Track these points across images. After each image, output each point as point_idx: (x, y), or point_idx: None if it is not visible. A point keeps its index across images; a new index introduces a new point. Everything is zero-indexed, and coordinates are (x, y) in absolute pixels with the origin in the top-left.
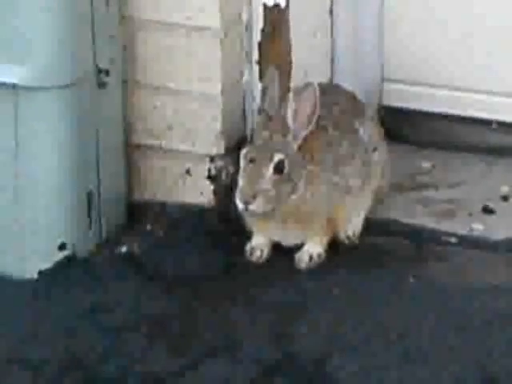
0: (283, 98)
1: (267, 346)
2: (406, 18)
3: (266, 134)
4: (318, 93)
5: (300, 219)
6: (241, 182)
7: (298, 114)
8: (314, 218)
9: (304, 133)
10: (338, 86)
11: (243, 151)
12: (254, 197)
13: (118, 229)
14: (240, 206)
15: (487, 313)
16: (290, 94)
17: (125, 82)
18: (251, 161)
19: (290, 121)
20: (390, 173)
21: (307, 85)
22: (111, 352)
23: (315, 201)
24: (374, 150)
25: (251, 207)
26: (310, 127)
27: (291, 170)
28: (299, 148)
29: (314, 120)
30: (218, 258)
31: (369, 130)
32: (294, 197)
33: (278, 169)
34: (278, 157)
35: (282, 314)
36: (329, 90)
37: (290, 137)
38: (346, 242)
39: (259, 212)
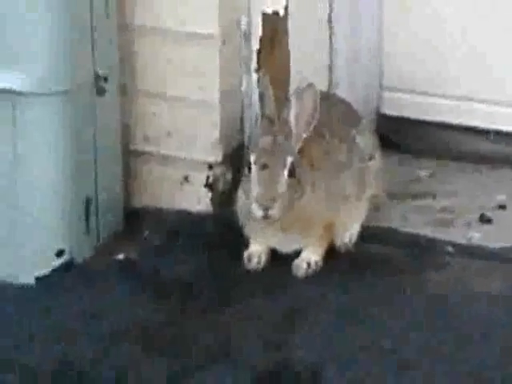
0: (283, 105)
1: (262, 354)
2: (404, 28)
3: (268, 138)
4: (318, 93)
5: (300, 226)
6: (257, 188)
7: (299, 115)
8: (314, 225)
9: (305, 134)
10: (334, 95)
11: (252, 157)
12: (273, 202)
13: (116, 235)
14: (259, 213)
15: (484, 322)
16: (292, 96)
17: (123, 88)
18: (264, 166)
19: (292, 122)
20: (384, 181)
21: (308, 86)
22: (105, 358)
23: (315, 207)
24: (371, 158)
25: (271, 213)
26: (311, 129)
27: (298, 173)
28: (299, 152)
29: (315, 121)
30: (216, 265)
31: (365, 139)
32: (302, 200)
33: (291, 172)
34: (290, 160)
35: (278, 322)
36: (325, 99)
37: (292, 139)
38: (342, 249)
39: (278, 217)
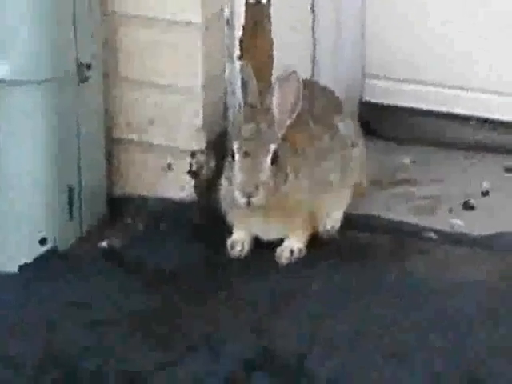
0: (266, 92)
1: (247, 341)
2: (387, 14)
3: (251, 126)
4: (301, 80)
5: (283, 213)
6: (239, 176)
7: (282, 102)
8: (297, 212)
9: (288, 121)
10: (316, 83)
11: (235, 145)
12: (256, 190)
13: (99, 223)
14: (242, 200)
15: (467, 308)
16: (275, 83)
17: (106, 76)
18: (246, 154)
19: (274, 109)
20: (367, 168)
21: (290, 73)
22: (91, 347)
23: (299, 193)
24: (353, 145)
25: (254, 200)
26: (294, 116)
27: (281, 160)
28: (282, 139)
29: (298, 108)
30: (199, 253)
31: (348, 126)
32: (285, 187)
33: (274, 159)
34: (273, 147)
35: (263, 309)
36: (308, 86)
37: (275, 127)
38: (326, 236)
39: (261, 204)
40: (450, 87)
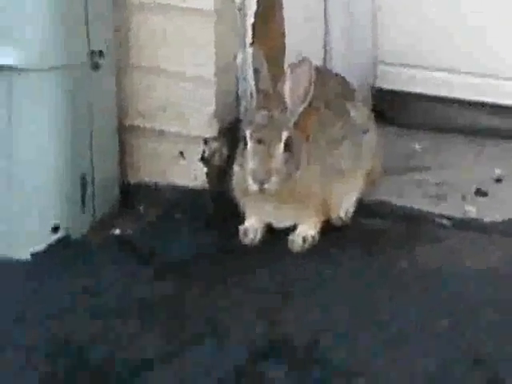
0: (278, 79)
1: (257, 330)
2: (399, 1)
3: (264, 112)
4: (313, 67)
5: (295, 200)
6: (252, 163)
7: (294, 88)
8: (309, 199)
9: (300, 108)
10: (328, 70)
11: (248, 132)
12: (269, 176)
13: (112, 211)
14: (254, 187)
15: (478, 296)
16: (287, 70)
17: (118, 63)
18: (259, 140)
19: (287, 96)
20: (382, 155)
21: (303, 60)
22: (100, 336)
23: (311, 181)
24: (365, 132)
25: (267, 187)
26: (306, 102)
27: (294, 147)
28: (295, 126)
29: (310, 95)
30: (211, 241)
31: (360, 113)
32: (298, 174)
33: (287, 146)
34: (285, 134)
35: (273, 297)
36: (320, 73)
37: (288, 113)
38: (338, 223)
39: (274, 191)
40: (462, 73)
